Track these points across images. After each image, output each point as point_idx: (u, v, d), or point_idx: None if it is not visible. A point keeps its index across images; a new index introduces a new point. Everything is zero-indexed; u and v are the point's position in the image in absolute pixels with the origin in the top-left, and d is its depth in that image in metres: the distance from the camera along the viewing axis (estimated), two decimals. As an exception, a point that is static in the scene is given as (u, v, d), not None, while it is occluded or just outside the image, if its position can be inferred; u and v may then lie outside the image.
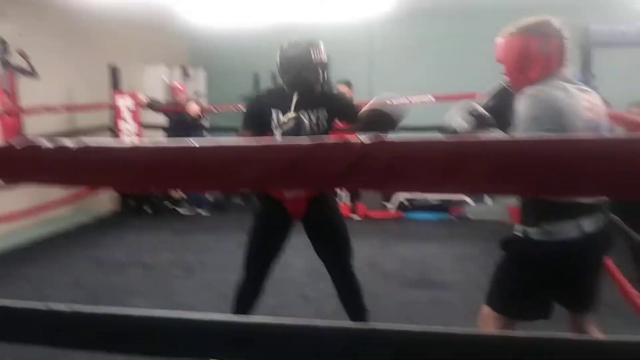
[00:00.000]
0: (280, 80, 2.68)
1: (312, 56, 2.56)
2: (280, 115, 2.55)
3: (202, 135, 6.37)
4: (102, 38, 6.38)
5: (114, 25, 6.42)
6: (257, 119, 2.60)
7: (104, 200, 6.46)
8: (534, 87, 1.81)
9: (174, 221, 6.03)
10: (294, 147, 0.88)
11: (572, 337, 0.85)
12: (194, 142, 0.93)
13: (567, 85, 1.82)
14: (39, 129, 5.06)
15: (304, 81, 2.57)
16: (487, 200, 6.48)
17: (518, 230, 1.95)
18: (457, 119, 2.07)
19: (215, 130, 6.93)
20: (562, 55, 1.86)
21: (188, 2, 5.49)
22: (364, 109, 2.50)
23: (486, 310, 2.05)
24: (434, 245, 4.86)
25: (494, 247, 5.11)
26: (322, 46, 2.61)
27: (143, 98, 6.05)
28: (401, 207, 6.31)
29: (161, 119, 6.48)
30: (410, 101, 5.45)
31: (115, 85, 6.01)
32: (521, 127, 1.78)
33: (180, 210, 6.46)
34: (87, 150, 0.97)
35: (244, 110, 2.75)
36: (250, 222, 2.76)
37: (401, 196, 6.35)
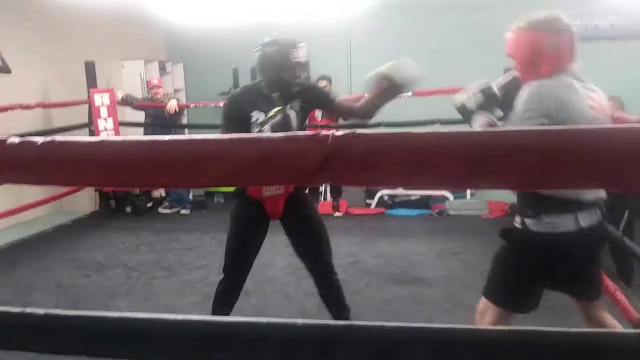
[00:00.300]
0: (258, 77, 2.65)
1: (292, 56, 2.52)
2: (262, 117, 2.52)
3: (180, 131, 6.31)
4: (79, 33, 6.27)
5: (90, 21, 6.31)
6: (237, 121, 2.55)
7: (83, 201, 6.37)
8: (537, 80, 1.84)
9: (155, 221, 5.97)
10: (265, 142, 0.87)
11: (552, 330, 0.85)
12: (163, 137, 0.91)
13: (574, 82, 1.86)
14: (14, 127, 4.96)
15: (282, 81, 2.54)
16: (467, 195, 6.54)
17: (517, 221, 1.98)
18: (468, 94, 2.08)
19: (193, 127, 6.88)
20: (572, 51, 1.89)
21: (166, -2, 5.43)
22: (375, 72, 2.46)
23: (484, 303, 2.07)
24: (415, 241, 4.88)
25: (474, 242, 5.19)
26: (303, 45, 2.57)
27: (118, 94, 5.96)
28: (382, 203, 6.33)
29: (140, 116, 6.41)
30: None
31: (92, 81, 5.92)
32: (517, 117, 1.82)
33: (161, 209, 6.40)
34: (52, 145, 0.95)
35: (223, 111, 2.66)
36: (229, 222, 2.73)
37: (382, 192, 6.37)
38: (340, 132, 0.83)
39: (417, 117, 5.41)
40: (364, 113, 2.63)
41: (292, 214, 2.67)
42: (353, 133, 0.83)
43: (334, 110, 2.80)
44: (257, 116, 2.53)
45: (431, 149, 0.80)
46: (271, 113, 2.47)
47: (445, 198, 6.28)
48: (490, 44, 6.70)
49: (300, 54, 2.54)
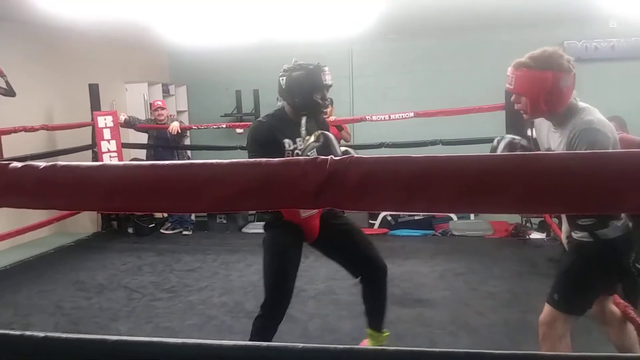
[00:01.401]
0: (285, 105, 2.61)
1: (323, 78, 2.52)
2: (292, 145, 2.51)
3: (183, 153, 6.34)
4: (83, 57, 6.35)
5: (94, 44, 6.40)
6: (269, 146, 2.49)
7: (86, 222, 6.37)
8: (589, 117, 1.99)
9: (157, 242, 5.96)
10: (264, 166, 0.87)
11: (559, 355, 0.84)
12: (163, 162, 0.91)
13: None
14: (19, 149, 4.99)
15: (315, 104, 2.53)
16: (471, 216, 6.52)
17: (580, 235, 2.13)
18: (501, 145, 2.21)
19: (196, 148, 6.91)
20: (574, 85, 2.04)
21: (169, 20, 5.49)
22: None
23: (552, 314, 2.18)
24: (418, 262, 4.85)
25: (478, 263, 5.15)
26: (328, 70, 2.57)
27: (121, 117, 6.01)
28: (385, 223, 6.31)
29: (143, 137, 6.44)
30: (391, 117, 5.50)
31: (96, 104, 5.97)
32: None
33: (163, 230, 6.39)
34: (53, 169, 0.95)
35: (250, 137, 2.58)
36: (266, 247, 2.63)
37: (385, 213, 6.36)
38: (338, 157, 0.84)
39: (418, 138, 5.42)
40: None
41: (328, 229, 2.63)
42: (350, 158, 0.83)
43: None
44: (289, 144, 2.52)
45: (428, 173, 0.80)
46: (312, 138, 2.40)
47: (449, 218, 6.26)
48: (491, 64, 6.79)
49: (328, 77, 2.55)
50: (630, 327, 2.45)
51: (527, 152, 1.81)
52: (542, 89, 1.98)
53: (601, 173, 0.74)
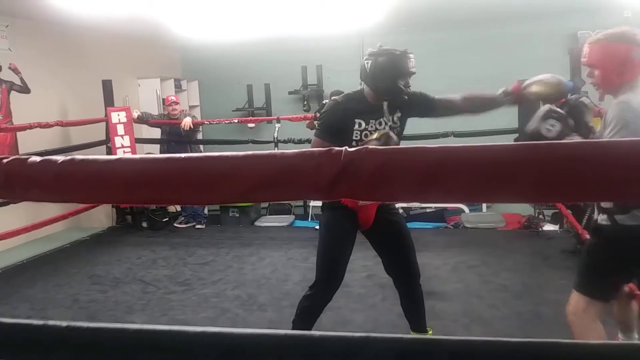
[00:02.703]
0: (365, 88, 2.59)
1: (409, 65, 2.50)
2: (364, 125, 2.52)
3: (195, 147, 6.38)
4: (96, 53, 6.41)
5: (107, 41, 6.45)
6: (336, 128, 2.51)
7: (100, 217, 6.44)
8: (624, 95, 2.04)
9: (171, 236, 6.01)
10: (280, 158, 0.88)
11: (568, 342, 0.85)
12: (179, 155, 0.93)
13: None
14: (34, 145, 5.06)
15: (398, 90, 2.50)
16: (483, 208, 6.50)
17: (602, 219, 2.15)
18: (544, 124, 2.18)
19: (208, 142, 6.95)
20: None
21: (180, 15, 5.52)
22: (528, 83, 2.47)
23: (580, 300, 2.21)
24: (431, 254, 4.85)
25: (490, 255, 5.12)
26: (413, 56, 2.54)
27: (134, 113, 6.06)
28: (397, 216, 6.31)
29: (156, 132, 6.50)
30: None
31: (109, 100, 6.02)
32: (609, 130, 2.00)
33: (177, 224, 6.44)
34: (72, 163, 0.97)
35: (323, 116, 2.59)
36: (323, 226, 2.68)
37: (398, 205, 6.35)
38: (352, 148, 0.85)
39: (430, 130, 5.41)
40: (471, 109, 2.64)
41: (382, 222, 2.66)
42: (366, 148, 0.84)
43: (437, 110, 2.71)
44: (360, 123, 2.52)
45: (444, 163, 0.81)
46: (375, 135, 2.43)
47: (461, 210, 6.25)
48: (501, 56, 6.75)
49: (413, 64, 2.53)
50: (634, 305, 2.57)
51: (541, 142, 1.80)
52: (617, 60, 2.06)
53: (614, 161, 0.75)
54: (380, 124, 2.55)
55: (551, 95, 2.45)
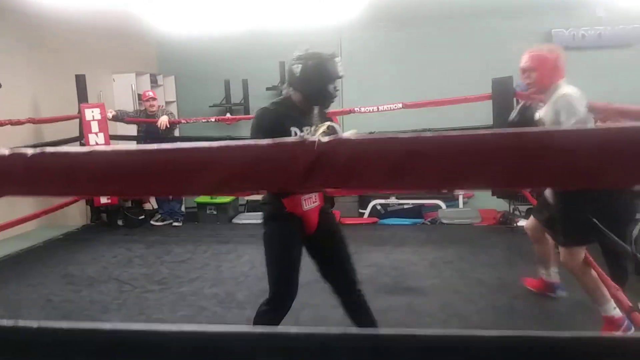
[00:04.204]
0: (294, 93, 2.53)
1: (337, 69, 2.48)
2: (299, 134, 2.44)
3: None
4: (69, 47, 6.27)
5: (81, 34, 6.31)
6: (275, 134, 2.33)
7: (75, 215, 6.33)
8: (568, 89, 2.75)
9: (147, 234, 5.94)
10: (253, 148, 0.88)
11: (547, 335, 0.86)
12: (153, 146, 0.91)
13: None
14: (4, 142, 4.93)
15: (328, 95, 2.48)
16: (460, 204, 6.57)
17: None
18: (513, 113, 3.06)
19: (185, 139, 6.87)
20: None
21: (156, 9, 5.44)
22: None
23: (568, 252, 2.82)
24: (408, 250, 4.89)
25: (467, 251, 5.17)
26: (339, 60, 2.52)
27: (109, 113, 5.95)
28: (375, 212, 6.35)
29: (131, 129, 6.40)
30: (379, 109, 5.51)
31: (83, 95, 5.91)
32: (564, 118, 2.65)
33: (153, 222, 6.37)
34: (43, 156, 0.94)
35: (260, 125, 2.47)
36: (270, 240, 2.57)
37: (375, 202, 6.39)
38: (326, 138, 0.85)
39: (408, 127, 5.44)
40: None
41: (322, 227, 2.58)
42: (339, 139, 0.85)
43: None
44: (295, 132, 2.44)
45: (416, 151, 0.82)
46: (321, 129, 2.37)
47: (438, 207, 6.31)
48: (476, 53, 6.82)
49: (341, 68, 2.50)
50: (551, 242, 3.24)
51: (510, 130, 2.04)
52: (552, 65, 2.81)
53: (581, 149, 0.77)
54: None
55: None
